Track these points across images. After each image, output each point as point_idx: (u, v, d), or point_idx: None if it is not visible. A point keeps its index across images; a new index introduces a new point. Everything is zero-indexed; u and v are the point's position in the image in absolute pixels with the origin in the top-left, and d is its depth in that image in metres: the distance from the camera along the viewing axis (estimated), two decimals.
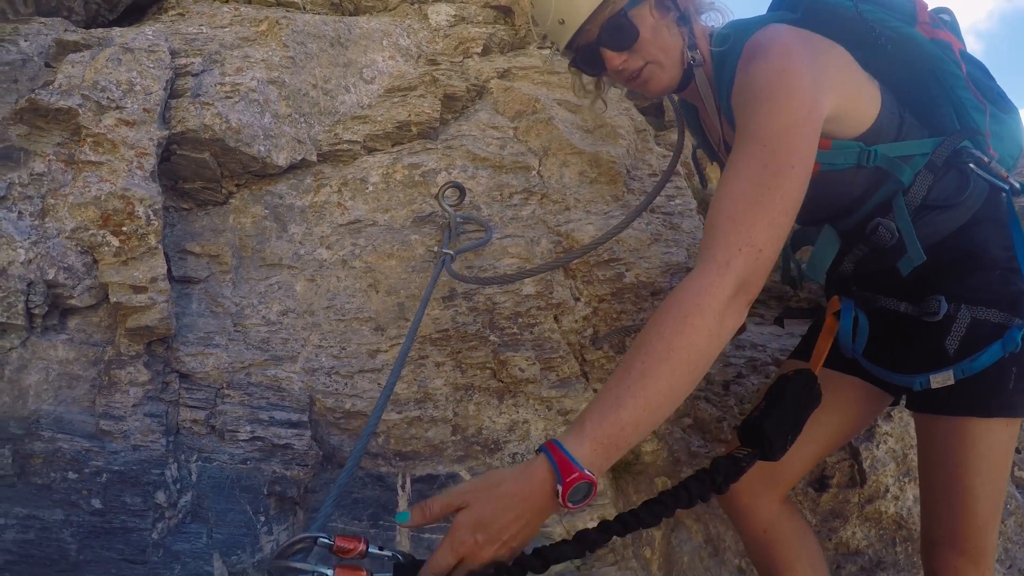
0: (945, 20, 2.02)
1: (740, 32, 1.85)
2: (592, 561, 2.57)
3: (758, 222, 1.47)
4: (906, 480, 2.96)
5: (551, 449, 1.28)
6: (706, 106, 2.06)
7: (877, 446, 2.93)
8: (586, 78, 2.20)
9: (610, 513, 2.41)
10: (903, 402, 2.25)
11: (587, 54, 1.97)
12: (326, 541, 1.27)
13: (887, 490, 2.94)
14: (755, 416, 1.52)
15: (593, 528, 1.33)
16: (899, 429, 2.98)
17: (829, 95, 1.71)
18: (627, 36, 1.87)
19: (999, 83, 2.01)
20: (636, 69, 1.92)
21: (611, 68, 1.94)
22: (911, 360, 1.99)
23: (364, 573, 1.22)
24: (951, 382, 1.86)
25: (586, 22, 1.88)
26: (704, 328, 1.38)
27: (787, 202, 1.51)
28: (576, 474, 1.24)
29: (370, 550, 1.29)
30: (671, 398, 1.37)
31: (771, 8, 2.09)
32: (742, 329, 2.02)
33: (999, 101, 1.99)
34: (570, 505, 1.25)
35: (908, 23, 1.89)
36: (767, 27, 1.79)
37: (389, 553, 1.31)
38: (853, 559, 2.92)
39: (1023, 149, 2.13)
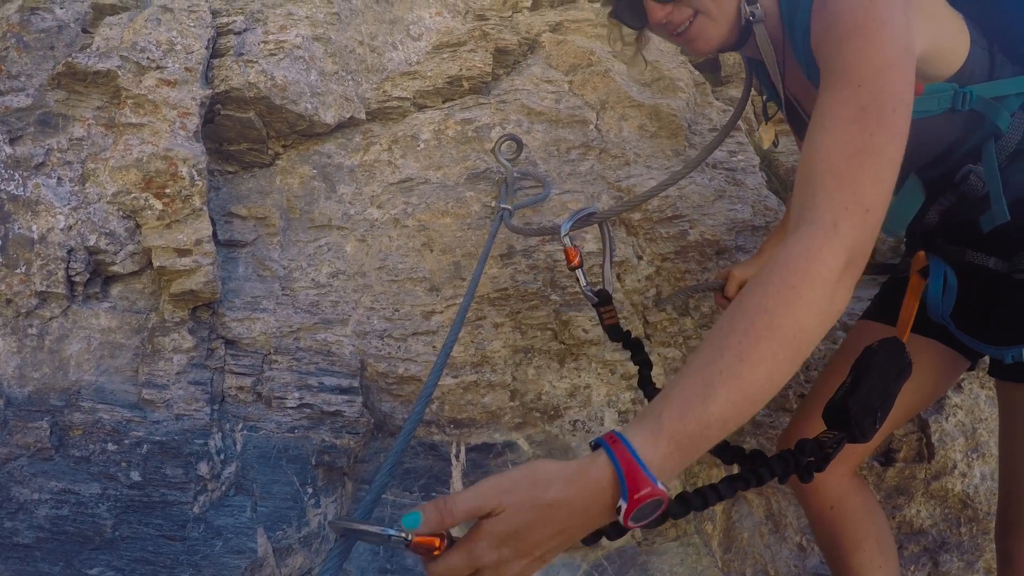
0: None
1: None
2: (654, 536, 2.40)
3: (864, 176, 1.16)
4: (974, 456, 2.69)
5: (615, 448, 0.92)
6: (767, 65, 1.72)
7: (947, 419, 2.65)
8: (626, 30, 1.84)
9: (673, 485, 2.23)
10: (972, 371, 1.96)
11: (629, 3, 1.65)
12: (401, 537, 0.94)
13: (955, 466, 2.67)
14: (839, 395, 1.28)
15: (673, 502, 1.07)
16: (969, 401, 2.70)
17: (920, 33, 1.39)
18: None
19: None
20: (683, 21, 1.57)
21: (654, 21, 1.60)
22: (1001, 326, 1.68)
23: (444, 536, 0.92)
24: None
25: None
26: (815, 302, 1.05)
27: (891, 152, 1.20)
28: (648, 489, 0.90)
29: None
30: (769, 389, 1.02)
31: None
32: None
33: None
34: (631, 524, 0.92)
35: None
36: None
37: None
38: (916, 539, 2.68)
39: None
